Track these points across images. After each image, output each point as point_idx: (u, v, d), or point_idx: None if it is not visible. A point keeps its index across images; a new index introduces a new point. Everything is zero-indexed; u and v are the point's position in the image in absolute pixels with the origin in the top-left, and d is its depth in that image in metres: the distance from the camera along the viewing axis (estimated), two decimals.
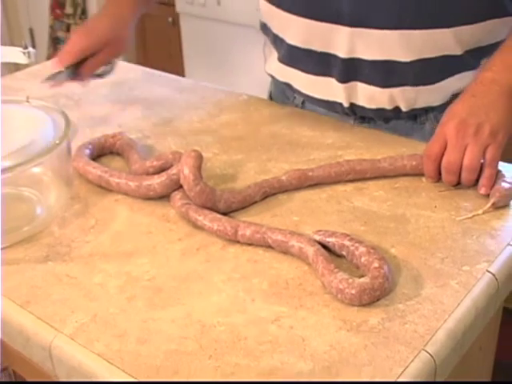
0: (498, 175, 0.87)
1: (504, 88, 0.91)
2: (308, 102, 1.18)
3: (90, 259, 0.78)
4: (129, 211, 0.87)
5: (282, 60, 1.16)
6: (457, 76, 1.05)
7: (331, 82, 1.09)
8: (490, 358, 0.99)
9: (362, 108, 1.10)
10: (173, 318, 0.69)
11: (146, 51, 2.86)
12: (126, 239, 0.82)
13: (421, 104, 1.07)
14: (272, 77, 1.23)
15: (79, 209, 0.88)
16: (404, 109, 1.08)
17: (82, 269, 0.77)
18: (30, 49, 1.10)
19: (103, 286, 0.74)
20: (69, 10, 2.90)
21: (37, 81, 1.22)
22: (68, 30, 2.93)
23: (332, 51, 1.06)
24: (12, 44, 3.31)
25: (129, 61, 1.22)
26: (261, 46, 1.23)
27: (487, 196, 0.86)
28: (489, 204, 0.84)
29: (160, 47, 2.77)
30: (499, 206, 0.84)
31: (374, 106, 1.08)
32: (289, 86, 1.18)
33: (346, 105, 1.10)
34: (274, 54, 1.19)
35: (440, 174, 0.90)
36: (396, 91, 1.05)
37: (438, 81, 1.05)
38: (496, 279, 0.73)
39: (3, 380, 0.88)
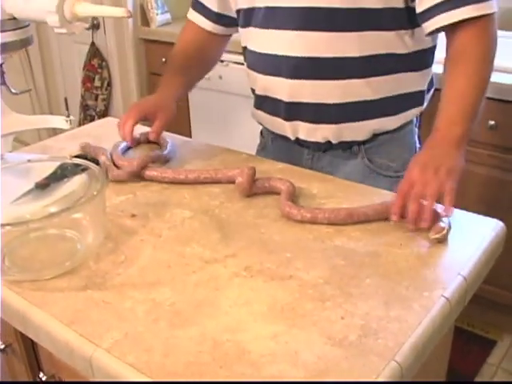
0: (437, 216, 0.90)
1: (452, 141, 1.00)
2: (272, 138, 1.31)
3: (121, 288, 0.80)
4: (152, 249, 0.89)
5: (254, 106, 1.29)
6: (375, 120, 1.15)
7: (280, 120, 1.21)
8: (444, 365, 1.01)
9: (305, 141, 1.20)
10: (190, 336, 0.71)
11: None
12: (150, 272, 0.83)
13: (347, 138, 1.17)
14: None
15: (111, 247, 0.90)
16: (334, 141, 1.17)
17: (115, 296, 0.79)
18: (71, 117, 1.13)
19: (133, 310, 0.76)
20: (97, 83, 2.94)
21: (74, 142, 1.26)
22: (96, 99, 2.97)
23: (278, 97, 1.18)
24: (51, 108, 3.39)
25: (147, 125, 1.25)
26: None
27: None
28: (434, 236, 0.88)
29: None
30: (441, 240, 0.87)
31: (312, 140, 1.19)
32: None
33: (292, 138, 1.22)
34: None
35: (403, 214, 0.91)
36: (325, 127, 1.16)
37: (358, 120, 1.15)
38: (449, 302, 0.76)
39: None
